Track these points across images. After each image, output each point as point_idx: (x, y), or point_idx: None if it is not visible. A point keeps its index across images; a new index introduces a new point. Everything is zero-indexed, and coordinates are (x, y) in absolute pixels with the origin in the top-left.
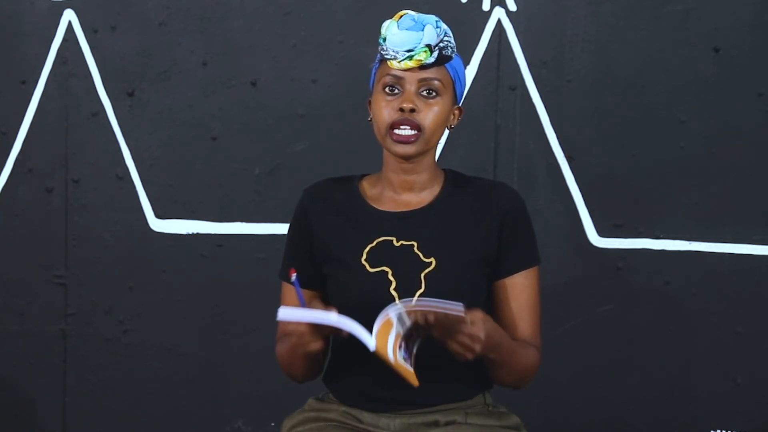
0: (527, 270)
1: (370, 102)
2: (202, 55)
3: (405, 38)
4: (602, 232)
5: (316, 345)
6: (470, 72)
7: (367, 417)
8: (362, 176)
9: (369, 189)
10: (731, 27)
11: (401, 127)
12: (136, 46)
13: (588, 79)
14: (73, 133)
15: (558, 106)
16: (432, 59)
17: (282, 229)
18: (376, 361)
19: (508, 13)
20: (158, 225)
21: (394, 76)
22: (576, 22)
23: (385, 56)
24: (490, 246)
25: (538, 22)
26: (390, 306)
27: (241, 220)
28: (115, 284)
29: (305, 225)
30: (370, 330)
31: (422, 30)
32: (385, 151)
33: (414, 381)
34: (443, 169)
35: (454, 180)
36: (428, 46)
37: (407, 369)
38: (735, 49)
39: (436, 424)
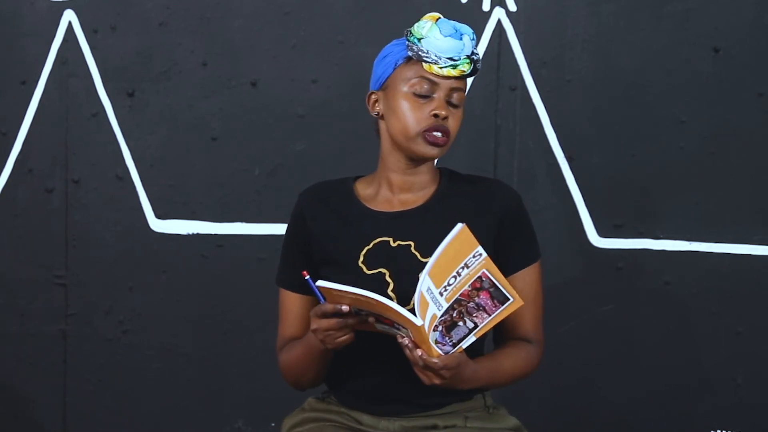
0: (528, 267)
1: (370, 97)
2: (202, 55)
3: (449, 45)
4: (602, 232)
5: (345, 337)
6: None
7: (366, 419)
8: (356, 178)
9: (363, 190)
10: (731, 27)
11: (435, 132)
12: (136, 46)
13: (588, 79)
14: (73, 133)
15: (558, 106)
16: (469, 71)
17: (282, 229)
18: (379, 364)
19: (508, 13)
20: (158, 225)
21: (430, 81)
22: (576, 22)
23: (425, 59)
24: (488, 244)
25: (538, 22)
26: (420, 283)
27: (241, 220)
28: (115, 284)
29: (302, 228)
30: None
31: (461, 39)
32: (385, 151)
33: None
34: (438, 168)
35: (449, 179)
36: (468, 57)
37: (435, 350)
38: (735, 49)
39: (435, 428)
